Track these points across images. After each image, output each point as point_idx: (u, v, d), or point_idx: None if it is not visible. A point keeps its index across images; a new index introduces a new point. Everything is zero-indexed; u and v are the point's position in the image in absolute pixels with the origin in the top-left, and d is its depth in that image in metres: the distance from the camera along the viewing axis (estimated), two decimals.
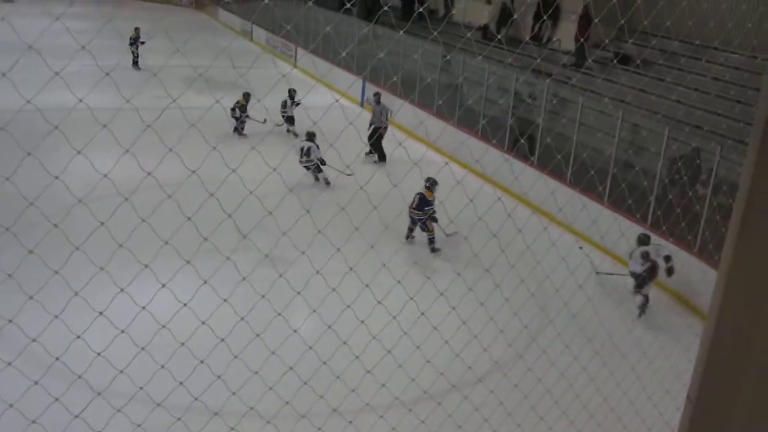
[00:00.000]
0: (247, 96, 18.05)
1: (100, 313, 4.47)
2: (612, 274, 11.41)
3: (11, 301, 5.22)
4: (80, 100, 4.09)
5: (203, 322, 4.93)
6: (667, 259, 10.76)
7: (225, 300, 4.94)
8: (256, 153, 4.38)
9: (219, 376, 5.32)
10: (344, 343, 5.38)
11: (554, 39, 19.48)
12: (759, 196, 1.94)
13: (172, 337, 4.95)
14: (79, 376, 4.96)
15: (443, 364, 6.47)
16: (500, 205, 5.81)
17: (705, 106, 13.91)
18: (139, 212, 4.36)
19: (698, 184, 11.75)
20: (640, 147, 12.65)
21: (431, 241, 12.14)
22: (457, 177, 6.07)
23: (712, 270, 9.50)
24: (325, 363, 5.52)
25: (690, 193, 11.23)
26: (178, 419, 5.36)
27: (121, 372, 4.74)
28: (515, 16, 20.00)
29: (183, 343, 4.99)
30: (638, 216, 11.92)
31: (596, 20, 14.77)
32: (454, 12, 23.13)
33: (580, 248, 11.31)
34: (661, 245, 10.91)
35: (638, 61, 13.91)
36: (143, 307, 4.51)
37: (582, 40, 17.21)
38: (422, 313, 5.42)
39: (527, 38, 19.09)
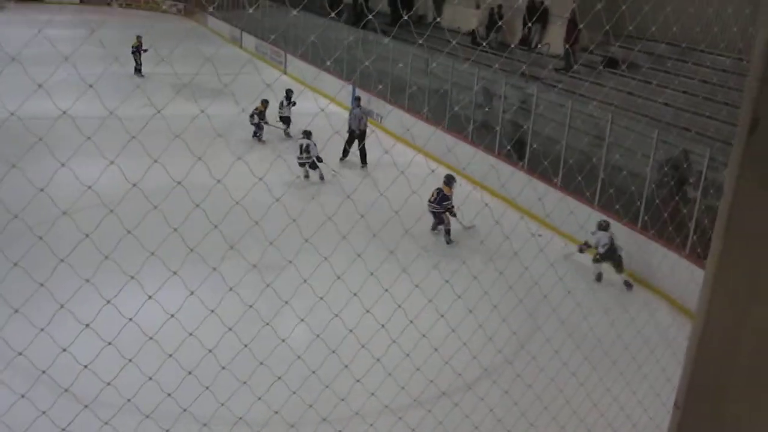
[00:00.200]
0: (265, 103, 18.36)
1: (87, 325, 4.44)
2: (582, 251, 12.38)
3: None
4: (64, 112, 4.06)
5: (190, 333, 4.90)
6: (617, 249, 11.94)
7: (212, 311, 4.91)
8: (246, 159, 4.37)
9: (207, 387, 5.30)
10: (333, 352, 5.36)
11: (543, 43, 19.52)
12: (743, 197, 1.95)
13: (160, 348, 4.92)
14: (66, 390, 4.92)
15: (433, 371, 6.46)
16: (488, 210, 5.81)
17: (693, 108, 13.95)
18: (127, 221, 4.34)
19: (688, 187, 11.80)
20: (629, 149, 12.69)
21: (447, 232, 13.15)
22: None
23: (702, 272, 9.52)
24: (313, 372, 5.50)
25: (677, 198, 11.26)
26: (167, 431, 5.33)
27: (108, 384, 4.71)
28: (500, 23, 20.02)
29: (171, 355, 4.96)
30: (627, 219, 11.98)
31: (581, 26, 14.80)
32: (439, 19, 23.15)
33: (540, 236, 12.34)
34: (615, 235, 11.96)
35: (624, 67, 13.96)
36: (130, 319, 4.48)
37: (569, 44, 17.27)
38: (411, 321, 5.42)
39: (515, 42, 19.15)
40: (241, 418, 5.42)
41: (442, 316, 5.68)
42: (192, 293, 4.72)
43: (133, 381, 4.94)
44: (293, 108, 18.95)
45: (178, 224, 4.65)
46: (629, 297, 11.50)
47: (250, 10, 23.19)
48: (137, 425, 5.78)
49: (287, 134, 18.91)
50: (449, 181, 13.11)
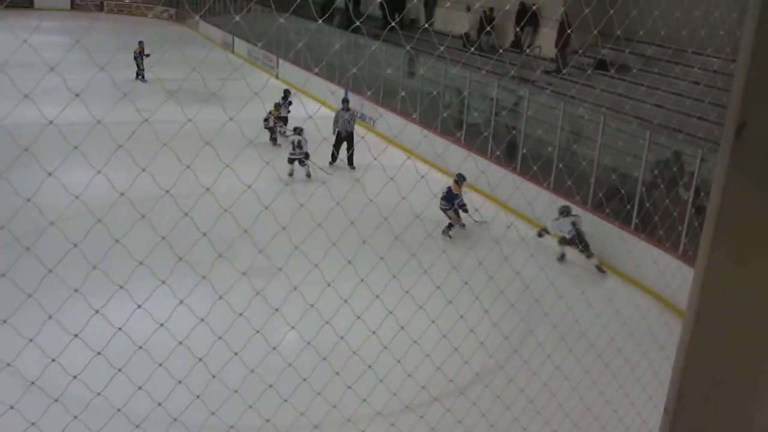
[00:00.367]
0: (278, 106, 18.27)
1: (75, 335, 4.41)
2: (541, 236, 12.90)
3: None
4: (50, 122, 4.04)
5: (180, 342, 4.88)
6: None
7: (202, 320, 4.89)
8: (239, 162, 4.35)
9: (198, 396, 5.28)
10: (324, 359, 5.35)
11: (534, 45, 19.55)
12: (731, 196, 1.95)
13: (150, 357, 4.90)
14: (55, 400, 4.89)
15: (424, 377, 6.44)
16: (479, 213, 5.80)
17: (683, 109, 13.98)
18: (116, 229, 4.32)
19: (680, 187, 11.82)
20: (620, 151, 12.72)
21: (450, 227, 13.32)
22: (440, 183, 6.06)
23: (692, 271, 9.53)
24: (305, 380, 5.48)
25: (668, 200, 11.28)
26: None
27: (98, 394, 4.68)
28: (489, 28, 20.04)
29: (161, 364, 4.94)
30: (620, 219, 12.00)
31: (569, 31, 14.84)
32: (427, 25, 23.16)
33: (485, 222, 12.89)
34: (579, 216, 12.31)
35: (612, 70, 14.01)
36: (119, 329, 4.46)
37: (560, 47, 17.31)
38: (402, 327, 5.41)
39: (507, 45, 19.18)
40: (232, 427, 5.40)
41: (433, 321, 5.67)
42: (181, 302, 4.70)
43: (124, 390, 4.92)
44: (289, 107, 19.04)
45: (168, 231, 4.63)
46: (621, 299, 11.50)
47: (237, 18, 23.17)
48: None
49: (283, 134, 18.90)
50: (459, 179, 13.30)
